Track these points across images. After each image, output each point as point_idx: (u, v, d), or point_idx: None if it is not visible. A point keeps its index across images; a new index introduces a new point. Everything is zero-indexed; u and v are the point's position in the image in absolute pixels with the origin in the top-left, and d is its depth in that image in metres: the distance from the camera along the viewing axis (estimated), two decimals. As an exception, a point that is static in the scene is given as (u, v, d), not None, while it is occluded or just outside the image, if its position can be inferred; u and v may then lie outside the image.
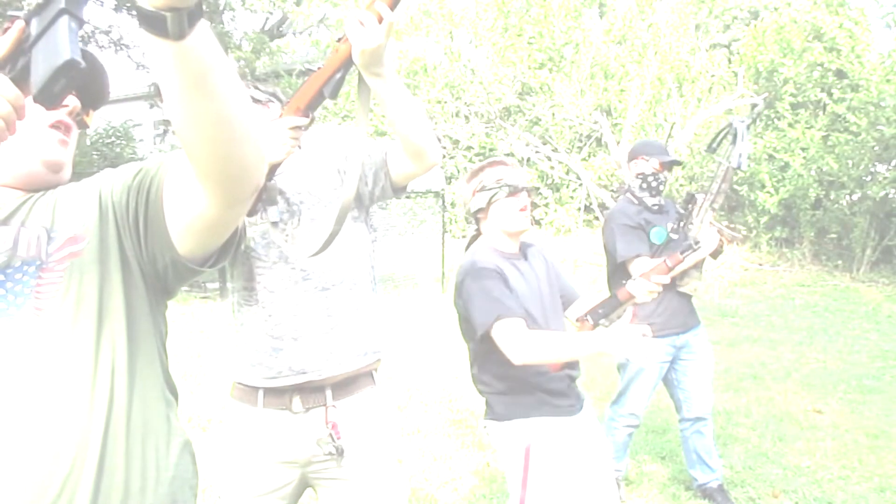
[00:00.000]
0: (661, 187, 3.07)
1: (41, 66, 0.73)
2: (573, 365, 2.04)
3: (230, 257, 1.09)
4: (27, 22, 0.77)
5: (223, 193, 0.95)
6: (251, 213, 1.62)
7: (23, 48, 0.77)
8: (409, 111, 1.51)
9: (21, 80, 0.78)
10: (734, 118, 2.54)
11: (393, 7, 1.33)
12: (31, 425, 0.94)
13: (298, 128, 1.49)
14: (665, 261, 2.08)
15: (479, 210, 2.02)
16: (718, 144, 2.68)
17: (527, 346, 1.84)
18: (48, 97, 0.73)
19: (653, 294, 2.02)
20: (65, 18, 0.72)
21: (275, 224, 1.63)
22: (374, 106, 1.51)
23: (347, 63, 1.40)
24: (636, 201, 3.07)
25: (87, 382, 0.98)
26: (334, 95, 1.45)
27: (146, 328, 1.07)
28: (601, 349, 1.83)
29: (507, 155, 13.34)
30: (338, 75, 1.43)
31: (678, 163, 3.16)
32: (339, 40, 1.42)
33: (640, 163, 3.10)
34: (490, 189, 1.99)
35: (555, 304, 2.06)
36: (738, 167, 2.48)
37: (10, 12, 0.77)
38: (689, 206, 2.62)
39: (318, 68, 1.46)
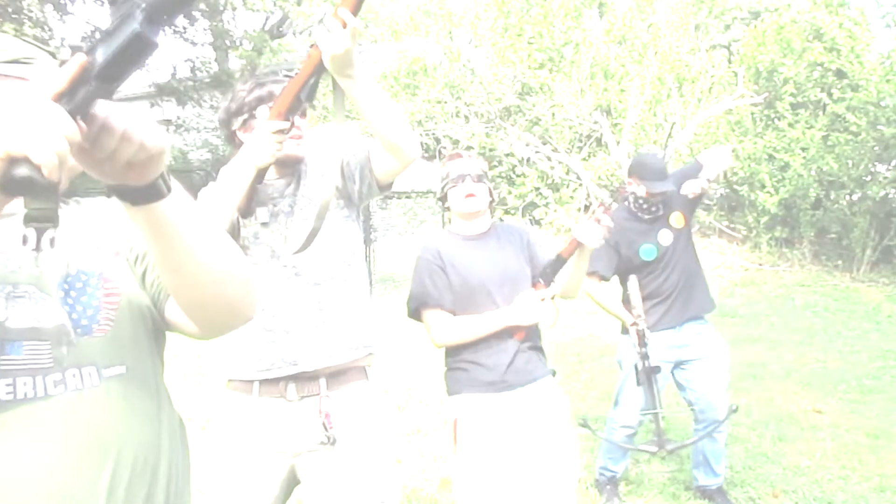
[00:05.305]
0: (653, 209, 3.05)
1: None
2: (532, 336, 2.21)
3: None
4: (90, 53, 0.72)
5: (210, 327, 0.99)
6: (246, 215, 1.70)
7: (84, 80, 0.73)
8: (382, 109, 1.57)
9: (80, 112, 0.73)
10: None
11: (355, 12, 1.40)
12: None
13: (281, 131, 1.58)
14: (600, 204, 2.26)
15: (442, 198, 2.31)
16: None
17: (443, 331, 2.18)
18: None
19: (597, 232, 2.18)
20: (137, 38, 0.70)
21: (265, 224, 1.71)
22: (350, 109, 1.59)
23: (319, 68, 1.48)
24: (633, 209, 3.09)
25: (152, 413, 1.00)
26: (311, 99, 1.56)
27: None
28: (508, 321, 2.13)
29: (508, 155, 13.36)
30: (312, 80, 1.53)
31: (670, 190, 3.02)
32: (311, 47, 1.49)
33: (634, 182, 3.06)
34: (444, 179, 2.27)
35: (522, 275, 2.24)
36: None
37: (69, 44, 0.71)
38: None
39: (295, 74, 1.55)
